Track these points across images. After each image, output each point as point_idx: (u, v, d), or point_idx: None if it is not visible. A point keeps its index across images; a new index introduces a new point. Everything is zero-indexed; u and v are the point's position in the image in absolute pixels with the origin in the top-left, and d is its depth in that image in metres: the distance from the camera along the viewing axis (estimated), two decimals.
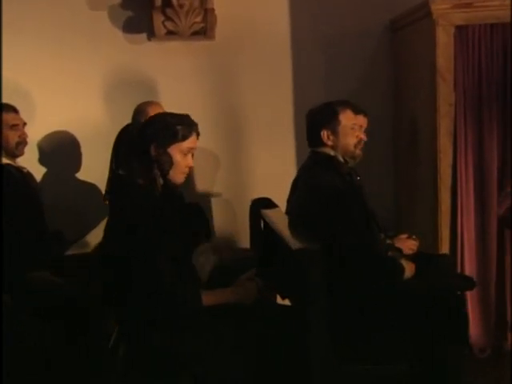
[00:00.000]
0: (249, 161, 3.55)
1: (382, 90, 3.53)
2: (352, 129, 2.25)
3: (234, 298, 1.82)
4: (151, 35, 3.31)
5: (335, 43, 3.47)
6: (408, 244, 2.52)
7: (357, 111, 2.48)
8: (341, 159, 2.28)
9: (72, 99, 3.34)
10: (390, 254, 2.23)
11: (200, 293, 1.77)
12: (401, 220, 3.43)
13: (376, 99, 3.52)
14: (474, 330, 2.90)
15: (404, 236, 2.56)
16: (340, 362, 1.89)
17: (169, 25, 3.16)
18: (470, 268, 2.90)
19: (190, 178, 3.54)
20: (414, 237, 2.57)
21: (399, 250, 2.30)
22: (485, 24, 2.85)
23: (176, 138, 1.84)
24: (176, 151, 1.86)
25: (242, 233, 3.44)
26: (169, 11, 3.12)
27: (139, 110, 2.90)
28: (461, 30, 2.84)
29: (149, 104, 2.95)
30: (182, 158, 1.87)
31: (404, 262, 2.18)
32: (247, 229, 2.85)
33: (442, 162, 2.90)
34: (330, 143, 2.25)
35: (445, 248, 2.92)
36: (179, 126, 1.84)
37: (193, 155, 1.95)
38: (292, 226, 2.12)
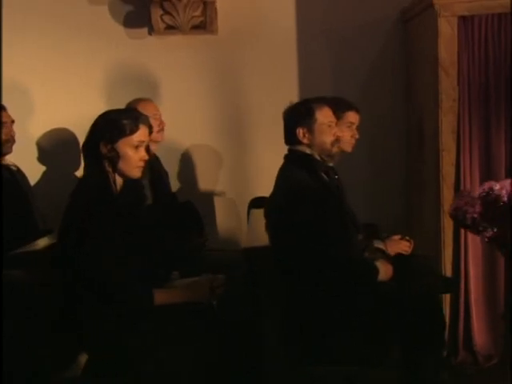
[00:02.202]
0: (252, 159, 3.64)
1: (392, 85, 3.56)
2: (329, 126, 2.32)
3: (186, 297, 1.93)
4: (152, 30, 3.45)
5: (343, 36, 3.53)
6: (401, 245, 2.57)
7: (347, 108, 2.55)
8: (317, 157, 2.34)
9: (72, 95, 3.51)
10: (366, 255, 2.29)
11: (152, 292, 1.89)
12: (411, 219, 3.46)
13: (387, 94, 3.57)
14: (480, 337, 2.92)
15: (397, 237, 2.61)
16: (297, 362, 1.96)
17: (167, 19, 3.30)
18: (475, 271, 2.91)
19: (192, 176, 3.69)
20: (407, 238, 2.62)
21: (382, 251, 2.35)
22: (492, 14, 2.86)
23: (123, 132, 1.96)
24: (126, 146, 1.98)
25: (245, 232, 3.53)
26: (167, 5, 3.26)
27: (129, 107, 3.03)
28: (465, 21, 2.86)
29: (139, 101, 3.08)
30: (134, 151, 1.99)
31: (381, 264, 2.24)
32: None
33: (445, 160, 2.92)
34: (305, 141, 2.33)
35: (448, 250, 2.94)
36: (125, 121, 1.96)
37: (148, 148, 2.05)
38: (267, 225, 2.21)
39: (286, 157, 2.39)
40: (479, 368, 2.89)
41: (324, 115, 2.32)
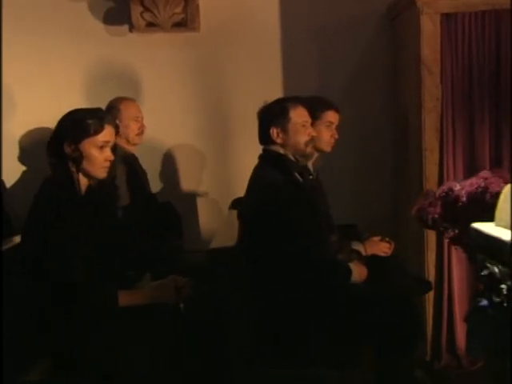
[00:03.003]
0: (236, 159, 3.67)
1: (379, 83, 3.59)
2: (303, 126, 2.34)
3: (152, 298, 1.96)
4: (132, 27, 3.47)
5: (328, 33, 3.56)
6: (380, 247, 2.61)
7: (326, 107, 2.58)
8: (291, 157, 2.37)
9: (53, 94, 3.53)
10: (340, 256, 2.32)
11: (116, 293, 1.92)
12: (397, 220, 3.48)
13: (373, 92, 3.59)
14: (464, 340, 2.94)
15: (377, 238, 2.64)
16: (268, 364, 1.99)
17: (147, 16, 3.33)
18: (458, 273, 2.94)
19: (175, 176, 3.72)
20: (387, 239, 2.65)
21: (358, 253, 2.38)
22: (475, 11, 2.88)
23: (87, 132, 1.99)
24: (90, 146, 2.01)
25: (228, 232, 3.56)
26: (147, 2, 3.29)
27: (111, 106, 3.07)
28: (448, 19, 2.89)
29: (122, 100, 3.11)
30: (99, 152, 2.02)
31: (354, 265, 2.27)
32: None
33: (428, 159, 2.95)
34: (279, 141, 2.36)
35: (431, 252, 2.97)
36: (90, 121, 1.99)
37: (113, 148, 2.08)
38: (241, 226, 2.24)
39: (260, 157, 2.42)
40: (463, 372, 2.92)
41: (298, 115, 2.35)
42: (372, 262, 2.35)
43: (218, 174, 3.70)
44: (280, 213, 2.15)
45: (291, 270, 2.11)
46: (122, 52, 3.54)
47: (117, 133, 2.06)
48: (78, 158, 1.99)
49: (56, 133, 2.02)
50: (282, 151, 2.36)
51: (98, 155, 2.02)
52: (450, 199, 1.52)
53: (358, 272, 2.25)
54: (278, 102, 2.38)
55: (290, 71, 3.61)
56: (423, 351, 3.01)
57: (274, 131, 2.34)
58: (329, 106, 2.63)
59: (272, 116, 2.34)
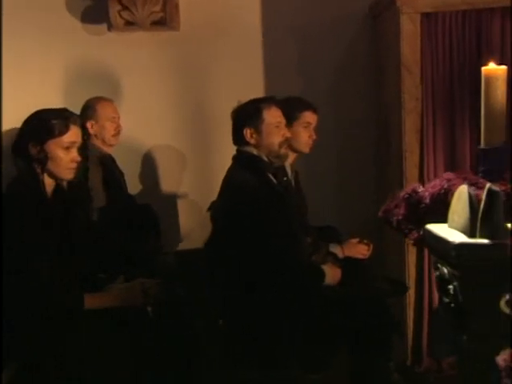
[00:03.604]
0: (217, 160, 3.68)
1: (362, 83, 3.62)
2: (277, 127, 2.37)
3: (119, 301, 1.98)
4: (111, 26, 3.49)
5: (311, 32, 3.59)
6: (358, 249, 2.64)
7: (304, 107, 2.61)
8: (265, 159, 2.40)
9: (30, 94, 3.54)
10: (314, 258, 2.35)
11: (82, 295, 1.94)
12: (380, 222, 3.51)
13: (356, 92, 3.63)
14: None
15: (355, 240, 2.67)
16: (239, 366, 2.02)
17: (125, 15, 3.35)
18: None
19: (155, 177, 3.74)
20: (365, 241, 2.68)
21: (333, 255, 2.41)
22: (456, 11, 2.92)
23: (52, 133, 2.01)
24: (55, 147, 2.04)
25: (207, 234, 3.58)
26: (125, 0, 3.30)
27: (87, 106, 3.09)
28: (429, 19, 2.93)
29: (99, 100, 3.13)
30: (64, 153, 2.04)
31: (328, 268, 2.30)
32: None
33: (408, 161, 2.98)
34: (253, 142, 2.38)
35: (411, 255, 3.00)
36: (54, 121, 2.02)
37: (79, 148, 2.10)
38: (213, 228, 2.27)
39: (234, 158, 2.44)
40: (443, 375, 2.95)
41: (272, 115, 2.37)
42: (349, 264, 2.38)
43: (198, 175, 3.72)
44: (251, 214, 2.18)
45: (263, 272, 2.14)
46: (100, 51, 3.55)
47: (83, 133, 2.08)
48: (43, 159, 2.01)
49: (21, 133, 2.05)
50: (255, 152, 2.39)
51: (63, 156, 2.04)
52: (413, 201, 1.55)
53: (332, 274, 2.28)
54: (251, 102, 2.41)
55: (272, 71, 3.64)
56: (404, 355, 3.04)
57: (247, 132, 2.37)
58: (307, 106, 2.66)
59: (245, 117, 2.36)
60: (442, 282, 1.30)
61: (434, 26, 2.91)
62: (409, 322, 3.01)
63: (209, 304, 2.09)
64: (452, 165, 2.98)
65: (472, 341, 1.13)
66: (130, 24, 3.41)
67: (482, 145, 1.58)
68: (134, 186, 3.57)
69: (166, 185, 3.72)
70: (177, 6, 3.42)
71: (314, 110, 2.67)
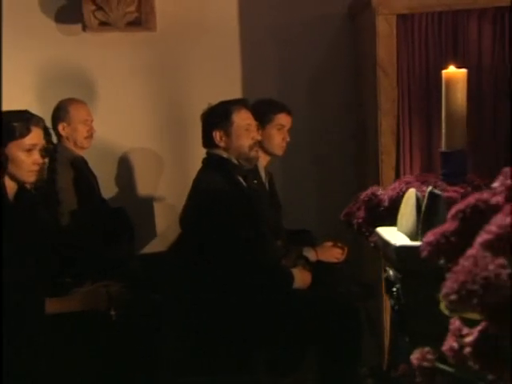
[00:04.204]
0: (195, 163, 3.68)
1: (341, 84, 3.65)
2: (246, 130, 2.40)
3: (82, 306, 2.00)
4: (86, 26, 3.51)
5: (290, 33, 3.62)
6: (333, 252, 2.67)
7: (278, 110, 2.64)
8: (235, 161, 2.43)
9: (3, 96, 3.54)
10: (284, 261, 2.37)
11: (43, 299, 1.96)
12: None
13: (336, 94, 3.66)
14: None
15: (329, 244, 2.70)
16: (206, 371, 2.04)
17: (99, 15, 3.37)
18: None
19: (131, 180, 3.76)
20: (339, 245, 2.71)
21: (305, 258, 2.44)
22: (432, 12, 2.96)
23: (13, 135, 2.03)
24: (16, 149, 2.05)
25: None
26: (99, 0, 3.32)
27: (59, 108, 3.11)
28: (404, 20, 2.96)
29: (72, 102, 3.15)
30: (26, 155, 2.06)
31: (298, 271, 2.33)
32: None
33: (385, 163, 3.01)
34: (222, 144, 2.41)
35: None
36: (15, 123, 2.03)
37: (42, 150, 2.12)
38: (181, 230, 2.29)
39: (203, 161, 2.47)
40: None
41: (241, 118, 2.40)
42: (320, 267, 2.41)
43: (175, 179, 3.73)
44: (218, 217, 2.20)
45: (230, 275, 2.16)
46: (74, 52, 3.57)
47: (47, 135, 2.10)
48: (4, 162, 2.03)
49: None
50: (225, 155, 2.42)
51: (24, 158, 2.06)
52: (373, 204, 1.58)
53: (302, 278, 2.31)
54: (221, 104, 2.44)
55: (250, 71, 3.66)
56: (380, 360, 3.07)
57: (216, 134, 2.40)
58: (280, 108, 2.69)
59: (215, 119, 2.39)
60: (389, 284, 1.33)
61: (411, 27, 2.94)
62: (386, 326, 3.04)
63: (176, 307, 2.11)
64: (429, 166, 3.01)
65: (414, 342, 1.15)
66: (104, 24, 3.43)
67: (443, 148, 1.61)
68: (109, 189, 3.59)
69: (143, 188, 3.74)
70: (152, 7, 3.44)
71: (288, 113, 2.70)
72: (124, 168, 3.71)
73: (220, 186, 2.28)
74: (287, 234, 2.74)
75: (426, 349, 0.69)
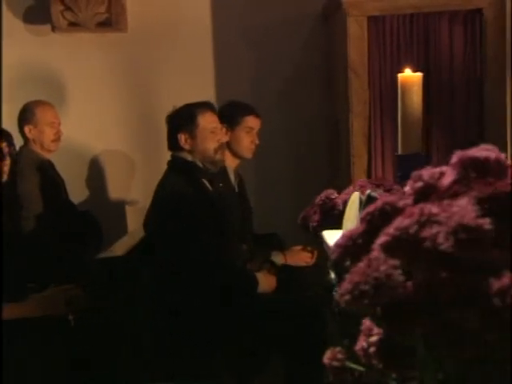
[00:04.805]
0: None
1: (315, 86, 3.69)
2: (212, 132, 2.42)
3: (39, 310, 2.01)
4: (55, 27, 3.52)
5: (264, 33, 3.65)
6: (302, 256, 2.69)
7: (246, 112, 2.66)
8: (199, 164, 2.45)
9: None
10: (249, 266, 2.40)
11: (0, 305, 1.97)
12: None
13: (310, 96, 3.69)
14: None
15: (298, 248, 2.73)
16: (169, 377, 2.06)
17: (68, 15, 3.38)
18: None
19: (102, 183, 3.77)
20: (309, 249, 2.73)
21: (271, 262, 2.47)
22: (403, 14, 3.00)
23: None
24: None
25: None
26: (67, 0, 3.33)
27: (25, 109, 3.11)
28: (376, 21, 3.00)
29: (39, 104, 3.15)
30: None
31: (262, 275, 2.35)
32: None
33: (356, 165, 3.05)
34: (187, 147, 2.43)
35: None
36: None
37: (9, 153, 2.12)
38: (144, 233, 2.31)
39: (168, 163, 2.49)
40: None
41: (207, 120, 2.43)
42: (287, 271, 2.43)
43: (147, 181, 3.72)
44: (180, 221, 2.22)
45: (193, 280, 2.19)
46: (44, 53, 3.57)
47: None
48: None
49: None
50: (189, 158, 2.44)
51: None
52: (327, 207, 1.61)
53: (267, 282, 2.33)
54: (186, 107, 2.46)
55: (223, 73, 3.69)
56: None
57: (181, 137, 2.42)
58: (249, 111, 2.72)
59: (180, 121, 2.41)
60: (330, 286, 1.35)
61: (382, 29, 2.98)
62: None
63: (137, 312, 2.12)
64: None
65: (353, 343, 1.18)
66: (74, 25, 3.44)
67: (399, 151, 1.65)
68: (79, 192, 3.60)
69: (114, 191, 3.75)
70: (123, 7, 3.46)
71: (257, 115, 2.72)
72: (95, 170, 3.72)
73: (183, 190, 2.30)
74: (256, 237, 2.76)
75: (338, 348, 0.72)
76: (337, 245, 0.67)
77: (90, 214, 3.13)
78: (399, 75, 1.64)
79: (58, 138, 3.10)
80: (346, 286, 0.57)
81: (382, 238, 0.61)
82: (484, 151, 0.67)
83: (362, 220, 0.68)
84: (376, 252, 0.62)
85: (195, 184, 2.37)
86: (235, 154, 2.76)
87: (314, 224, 1.62)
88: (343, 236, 0.68)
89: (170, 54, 3.65)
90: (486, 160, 0.65)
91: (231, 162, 2.76)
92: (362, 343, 0.69)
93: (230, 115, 2.66)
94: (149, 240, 2.28)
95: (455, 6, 2.97)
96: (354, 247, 0.66)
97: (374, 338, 0.65)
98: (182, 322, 2.17)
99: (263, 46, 3.66)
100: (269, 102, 3.67)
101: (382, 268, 0.56)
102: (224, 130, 2.66)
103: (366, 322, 0.70)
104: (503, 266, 0.57)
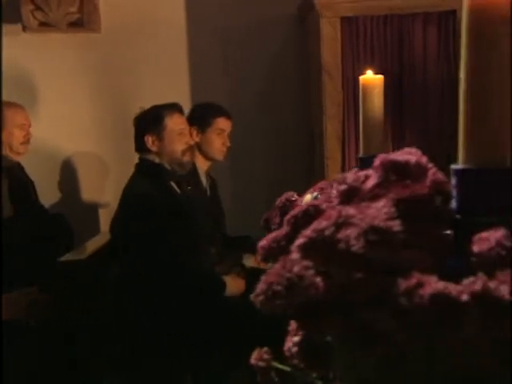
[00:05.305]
0: None
1: (292, 87, 3.71)
2: (179, 134, 2.44)
3: (5, 314, 2.02)
4: (26, 27, 3.52)
5: (239, 34, 3.67)
6: None
7: (218, 114, 2.68)
8: (167, 167, 2.47)
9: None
10: (218, 268, 2.42)
11: None
12: None
13: (286, 97, 3.72)
14: None
15: None
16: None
17: (39, 15, 3.38)
18: None
19: (75, 186, 3.77)
20: None
21: (241, 265, 2.48)
22: (377, 15, 3.03)
23: None
24: None
25: None
26: (38, 0, 3.34)
27: None
28: (349, 22, 3.03)
29: (9, 106, 3.14)
30: None
31: (230, 279, 2.37)
32: None
33: (330, 168, 3.07)
34: (154, 149, 2.45)
35: None
36: None
37: None
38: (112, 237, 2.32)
39: (135, 166, 2.50)
40: None
41: (174, 122, 2.44)
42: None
43: (121, 183, 3.72)
44: (148, 224, 2.23)
45: (159, 283, 2.20)
46: (14, 53, 3.57)
47: None
48: None
49: None
50: (157, 160, 2.45)
51: None
52: (287, 209, 1.63)
53: (235, 285, 2.35)
54: (153, 108, 2.48)
55: (198, 74, 3.71)
56: None
57: (148, 139, 2.43)
58: (220, 112, 2.73)
59: (147, 123, 2.43)
60: None
61: (355, 30, 3.01)
62: None
63: (100, 317, 2.13)
64: None
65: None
66: (45, 25, 3.44)
67: (361, 153, 1.67)
68: (51, 195, 3.60)
69: (87, 193, 3.76)
70: (95, 7, 3.47)
71: (228, 117, 2.74)
72: (68, 173, 3.72)
73: (150, 192, 2.31)
74: (229, 240, 2.78)
75: (264, 349, 0.74)
76: (261, 247, 0.69)
77: (61, 216, 3.13)
78: (360, 78, 1.66)
79: (27, 141, 3.10)
80: (260, 286, 0.59)
81: (299, 240, 0.63)
82: (405, 155, 0.69)
83: (287, 222, 0.70)
84: (294, 253, 0.64)
85: (162, 186, 2.38)
86: (206, 156, 2.78)
87: (275, 226, 1.64)
88: (267, 238, 0.70)
89: (144, 54, 3.66)
90: (407, 163, 0.67)
91: (202, 164, 2.78)
92: (288, 343, 0.71)
93: (200, 117, 2.68)
94: (114, 243, 2.29)
95: (429, 8, 3.00)
96: (277, 249, 0.68)
97: (296, 339, 0.67)
98: (146, 328, 2.18)
99: (239, 46, 3.68)
100: (244, 103, 3.70)
101: (295, 269, 0.58)
102: (194, 131, 2.68)
103: (293, 323, 0.72)
104: (413, 267, 0.59)
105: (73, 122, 3.67)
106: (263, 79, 3.71)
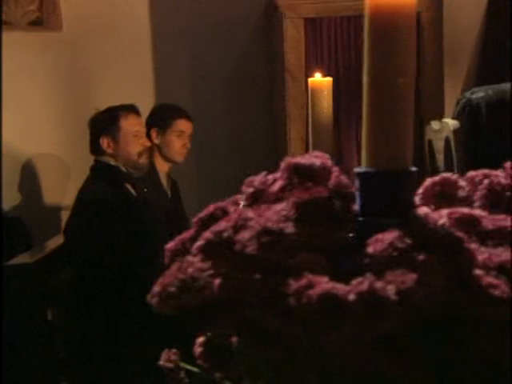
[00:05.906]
0: None
1: (258, 89, 3.74)
2: (135, 136, 2.45)
3: None
4: None
5: (204, 34, 3.69)
6: None
7: (177, 115, 2.69)
8: (123, 169, 2.48)
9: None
10: None
11: None
12: None
13: (253, 98, 3.74)
14: None
15: None
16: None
17: None
18: None
19: (36, 188, 3.76)
20: None
21: None
22: (341, 17, 3.07)
23: None
24: None
25: None
26: None
27: None
28: (313, 24, 3.07)
29: None
30: None
31: None
32: None
33: None
34: (110, 151, 2.46)
35: None
36: None
37: None
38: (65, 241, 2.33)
39: (91, 168, 2.51)
40: None
41: (130, 124, 2.45)
42: None
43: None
44: (100, 227, 2.24)
45: (112, 288, 2.21)
46: None
47: None
48: None
49: None
50: (112, 162, 2.46)
51: None
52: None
53: None
54: (108, 110, 2.49)
55: (162, 74, 3.72)
56: None
57: (104, 141, 2.44)
58: (180, 113, 2.75)
59: (102, 125, 2.44)
60: None
61: (319, 31, 3.05)
62: None
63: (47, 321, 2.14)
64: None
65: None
66: (4, 23, 3.43)
67: None
68: (11, 198, 3.58)
69: (48, 196, 3.75)
70: (55, 5, 3.47)
71: (189, 118, 2.76)
72: (28, 175, 3.71)
73: (103, 195, 2.32)
74: None
75: (173, 350, 0.76)
76: (167, 248, 0.71)
77: (19, 220, 3.13)
78: (309, 80, 1.68)
79: None
80: (156, 287, 0.61)
81: (199, 242, 0.65)
82: (311, 158, 0.71)
83: (194, 224, 0.73)
84: (193, 255, 0.66)
85: (117, 189, 2.39)
86: (166, 158, 2.79)
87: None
88: (174, 240, 0.72)
89: (106, 54, 3.67)
90: (310, 166, 0.69)
91: (162, 166, 2.79)
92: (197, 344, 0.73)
93: (160, 118, 2.69)
94: (67, 245, 2.30)
95: None
96: (182, 251, 0.70)
97: (201, 339, 0.69)
98: (99, 333, 2.19)
99: (204, 46, 3.70)
100: (210, 104, 3.72)
101: (189, 270, 0.60)
102: (154, 133, 2.69)
103: None
104: (307, 269, 0.62)
105: (33, 123, 3.66)
106: (229, 80, 3.73)
